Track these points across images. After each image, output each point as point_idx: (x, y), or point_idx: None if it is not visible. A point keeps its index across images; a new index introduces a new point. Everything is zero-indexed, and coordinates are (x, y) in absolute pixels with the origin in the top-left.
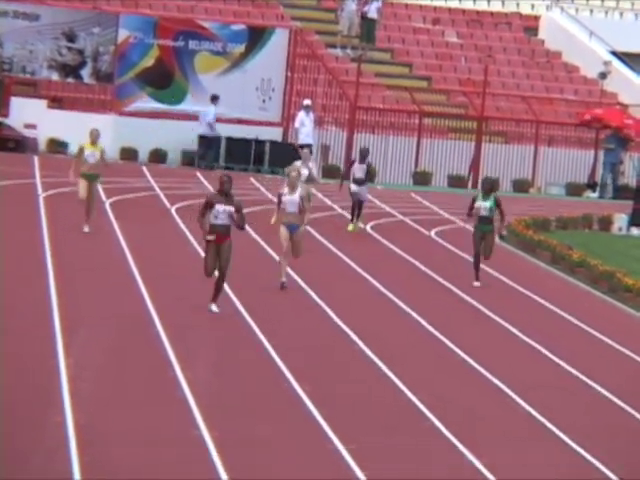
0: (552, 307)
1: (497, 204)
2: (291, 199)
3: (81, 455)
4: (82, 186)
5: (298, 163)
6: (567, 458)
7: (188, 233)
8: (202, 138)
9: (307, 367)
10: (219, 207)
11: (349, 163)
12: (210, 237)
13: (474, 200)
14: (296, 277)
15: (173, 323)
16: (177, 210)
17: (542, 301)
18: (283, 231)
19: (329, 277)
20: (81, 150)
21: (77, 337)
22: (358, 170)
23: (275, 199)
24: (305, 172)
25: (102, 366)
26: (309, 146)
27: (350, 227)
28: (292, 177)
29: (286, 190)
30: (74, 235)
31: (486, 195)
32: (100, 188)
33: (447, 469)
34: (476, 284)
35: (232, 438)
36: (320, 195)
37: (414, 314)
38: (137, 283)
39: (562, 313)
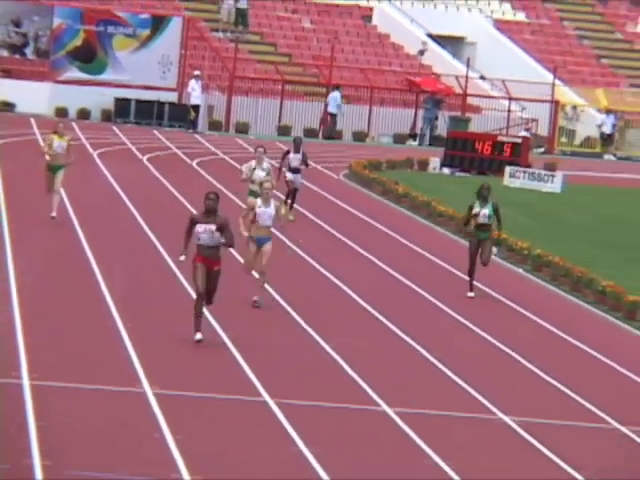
0: (382, 227)
1: (495, 210)
2: (266, 212)
3: (27, 339)
4: (48, 179)
5: (252, 163)
6: (391, 342)
7: (107, 173)
8: (331, 115)
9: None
10: (199, 227)
11: (284, 153)
12: (181, 258)
13: (471, 208)
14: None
15: (92, 230)
16: (99, 155)
17: (375, 223)
18: (252, 247)
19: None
20: (50, 142)
21: (23, 245)
22: (294, 160)
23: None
24: (261, 174)
25: (41, 270)
26: (198, 106)
27: (283, 210)
28: (266, 189)
29: (259, 202)
30: (22, 171)
31: (484, 202)
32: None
33: (303, 355)
34: (470, 294)
35: (143, 328)
36: (207, 144)
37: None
38: (69, 213)
39: (390, 233)
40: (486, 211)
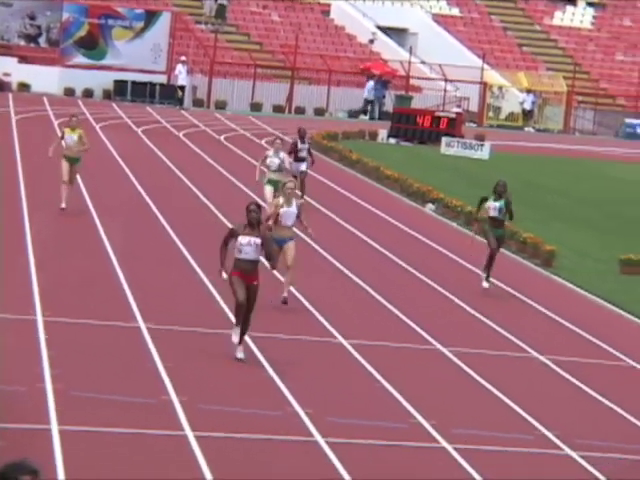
0: (338, 189)
1: (507, 205)
2: (289, 211)
3: (40, 283)
4: (64, 168)
5: (270, 152)
6: (341, 281)
7: (108, 143)
8: (367, 101)
9: (187, 229)
10: (243, 239)
11: (292, 145)
12: (223, 276)
13: (484, 200)
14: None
15: (94, 188)
16: (100, 127)
17: (332, 185)
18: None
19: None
20: (62, 134)
21: (37, 215)
22: (302, 150)
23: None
24: (276, 161)
25: (53, 225)
26: (184, 87)
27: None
28: (289, 188)
29: (282, 201)
30: (36, 141)
31: (498, 197)
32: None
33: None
34: (485, 285)
35: (138, 274)
36: (191, 118)
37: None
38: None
39: (345, 193)
40: (497, 204)
